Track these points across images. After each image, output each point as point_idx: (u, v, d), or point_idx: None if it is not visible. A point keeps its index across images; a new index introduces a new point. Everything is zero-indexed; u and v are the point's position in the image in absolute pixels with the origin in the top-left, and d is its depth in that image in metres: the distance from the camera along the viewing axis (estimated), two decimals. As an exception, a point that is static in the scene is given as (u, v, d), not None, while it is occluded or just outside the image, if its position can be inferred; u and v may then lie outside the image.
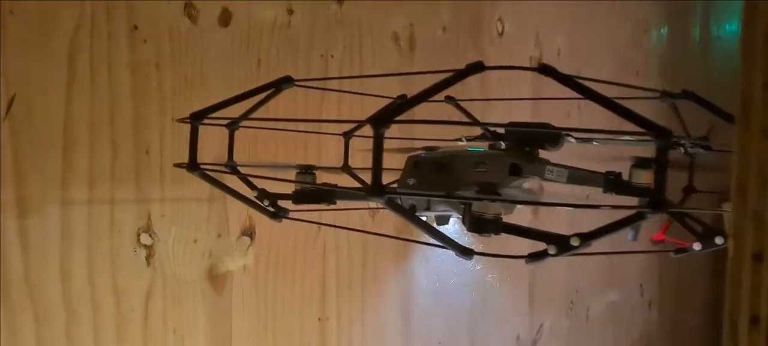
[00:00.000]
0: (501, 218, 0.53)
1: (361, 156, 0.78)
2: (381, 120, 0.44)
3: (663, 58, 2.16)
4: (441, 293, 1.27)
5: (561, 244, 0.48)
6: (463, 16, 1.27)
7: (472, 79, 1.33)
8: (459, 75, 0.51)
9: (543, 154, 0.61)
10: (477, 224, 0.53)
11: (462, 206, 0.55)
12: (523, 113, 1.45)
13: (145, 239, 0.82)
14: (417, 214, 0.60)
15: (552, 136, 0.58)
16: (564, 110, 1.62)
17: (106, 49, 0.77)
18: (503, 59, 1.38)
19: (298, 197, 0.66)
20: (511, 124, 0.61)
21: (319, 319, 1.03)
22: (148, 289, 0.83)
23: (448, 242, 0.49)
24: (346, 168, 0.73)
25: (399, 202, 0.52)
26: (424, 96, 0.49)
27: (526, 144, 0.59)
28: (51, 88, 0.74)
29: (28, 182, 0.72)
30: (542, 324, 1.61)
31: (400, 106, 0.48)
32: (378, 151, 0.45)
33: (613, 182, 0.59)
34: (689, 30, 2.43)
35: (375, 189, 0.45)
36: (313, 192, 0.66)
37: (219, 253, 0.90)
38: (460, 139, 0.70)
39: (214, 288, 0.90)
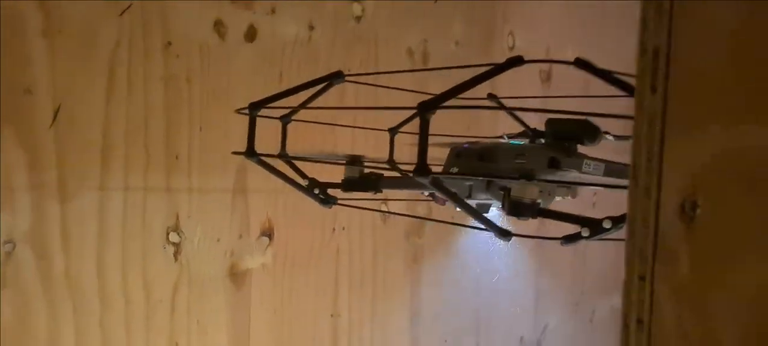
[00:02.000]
0: (538, 203, 0.57)
1: (407, 150, 0.81)
2: (428, 105, 0.49)
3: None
4: (448, 293, 1.34)
5: (594, 227, 0.52)
6: (475, 30, 1.33)
7: (483, 87, 1.39)
8: (498, 68, 0.55)
9: (581, 149, 0.65)
10: (515, 208, 0.57)
11: (501, 192, 0.59)
12: (530, 121, 1.51)
13: (173, 237, 0.89)
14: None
15: (591, 131, 0.61)
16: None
17: (142, 63, 0.84)
18: (514, 73, 1.43)
19: (346, 185, 0.70)
20: (551, 120, 0.63)
21: (331, 315, 1.10)
22: (176, 283, 0.90)
23: (488, 224, 0.53)
24: (390, 162, 0.76)
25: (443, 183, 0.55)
26: (466, 86, 0.52)
27: (565, 139, 0.63)
28: (92, 99, 0.81)
29: (69, 184, 0.80)
30: (547, 325, 1.66)
31: (444, 94, 0.51)
32: (424, 135, 0.48)
33: None
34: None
35: (421, 169, 0.49)
36: (361, 180, 0.69)
37: (240, 252, 0.97)
38: (501, 137, 0.74)
39: (235, 284, 0.97)
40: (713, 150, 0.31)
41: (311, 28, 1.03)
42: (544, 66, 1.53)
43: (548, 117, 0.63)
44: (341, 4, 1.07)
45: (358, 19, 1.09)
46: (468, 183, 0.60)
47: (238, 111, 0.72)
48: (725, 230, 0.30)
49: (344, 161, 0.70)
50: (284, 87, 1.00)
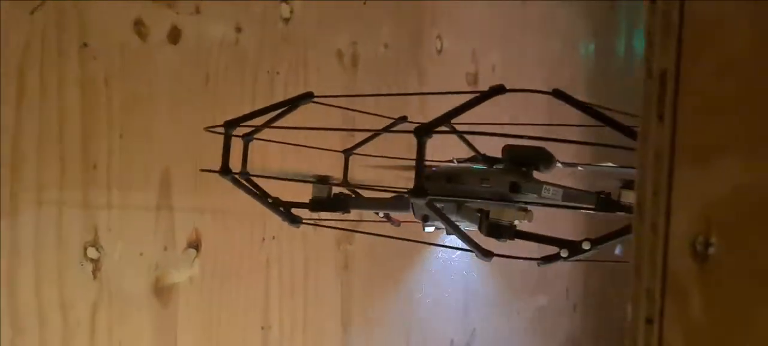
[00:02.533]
0: (515, 226, 0.60)
1: (360, 171, 0.82)
2: (424, 130, 0.51)
3: (591, 72, 2.28)
4: (379, 300, 1.32)
5: (573, 248, 0.55)
6: (403, 33, 1.32)
7: (412, 89, 1.37)
8: (482, 96, 0.57)
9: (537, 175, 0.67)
10: (494, 230, 0.59)
11: (478, 214, 0.61)
12: (459, 124, 1.51)
13: (91, 252, 0.83)
14: (429, 222, 0.65)
15: (546, 158, 0.64)
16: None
17: (56, 65, 0.78)
18: (442, 75, 1.44)
19: (314, 205, 0.71)
20: (509, 146, 0.65)
21: (262, 328, 1.06)
22: (95, 302, 0.84)
23: (472, 244, 0.55)
24: (345, 183, 0.77)
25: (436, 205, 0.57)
26: (457, 112, 0.54)
27: (523, 164, 0.64)
28: (0, 105, 0.74)
29: (-26, 197, 0.73)
30: (475, 329, 1.67)
31: (438, 119, 0.53)
32: (421, 158, 0.50)
33: (604, 201, 0.64)
34: (614, 45, 2.56)
35: (418, 191, 0.51)
36: (330, 200, 0.70)
37: (165, 265, 0.92)
38: (451, 161, 0.75)
39: (160, 301, 0.91)
40: (728, 183, 0.28)
41: (238, 29, 0.98)
42: (471, 69, 1.54)
43: (505, 144, 0.64)
44: (269, 4, 1.03)
45: (287, 20, 1.06)
46: (440, 205, 0.60)
47: (210, 129, 0.72)
48: (742, 269, 0.28)
49: (313, 180, 0.70)
50: (211, 91, 0.96)
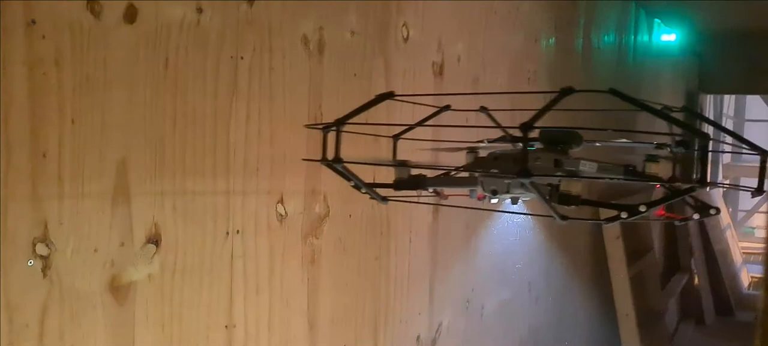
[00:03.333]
0: (580, 195, 0.71)
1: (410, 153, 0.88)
2: (527, 126, 0.63)
3: (551, 65, 2.28)
4: (346, 297, 1.27)
5: (631, 210, 0.67)
6: (370, 20, 1.28)
7: (378, 77, 1.33)
8: (558, 97, 0.69)
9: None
10: (564, 199, 0.70)
11: (548, 187, 0.71)
12: (425, 114, 1.48)
13: (41, 249, 0.77)
14: (496, 195, 0.76)
15: (577, 138, 0.76)
16: (463, 116, 1.67)
17: (-1, 44, 0.71)
18: (408, 63, 1.40)
19: (398, 185, 0.82)
20: (543, 129, 0.75)
21: (226, 326, 1.00)
22: (45, 303, 0.77)
23: (552, 210, 0.69)
24: (402, 162, 0.84)
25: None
26: (543, 112, 0.65)
27: (557, 144, 0.75)
28: (-65, 86, 0.67)
29: None
30: (441, 323, 1.65)
31: (538, 114, 0.64)
32: (525, 148, 0.65)
33: (631, 172, 0.77)
34: (573, 40, 2.58)
35: (525, 172, 0.64)
36: (409, 180, 0.81)
37: (122, 262, 0.85)
38: (481, 142, 0.85)
39: (117, 299, 0.85)
40: None
41: (199, 10, 0.92)
42: (437, 59, 1.51)
43: (542, 127, 0.73)
44: (232, -15, 0.97)
45: (251, 2, 1.00)
46: (507, 181, 0.73)
47: (311, 126, 0.90)
48: None
49: (394, 164, 0.82)
50: (170, 75, 0.89)
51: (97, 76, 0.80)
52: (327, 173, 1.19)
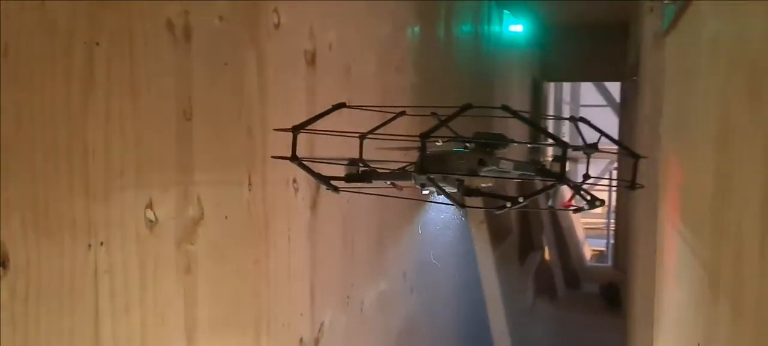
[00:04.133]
0: (480, 188, 0.88)
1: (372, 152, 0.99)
2: (425, 135, 0.80)
3: (417, 53, 2.28)
4: (226, 306, 1.17)
5: (513, 201, 0.82)
6: (239, 5, 1.18)
7: (251, 66, 1.25)
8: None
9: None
10: (467, 192, 0.87)
11: (457, 182, 0.87)
12: (299, 105, 1.41)
13: None
14: (425, 187, 0.90)
15: (504, 141, 0.90)
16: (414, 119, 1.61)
17: None
18: (280, 51, 1.32)
19: (348, 179, 0.95)
20: (478, 133, 0.91)
21: (92, 354, 0.88)
22: None
23: (453, 200, 0.89)
24: (361, 161, 0.98)
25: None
26: (447, 121, 0.84)
27: (487, 146, 0.90)
28: None
29: None
30: (323, 322, 1.58)
31: (439, 124, 0.83)
32: (423, 152, 0.83)
33: (541, 169, 0.93)
34: (436, 29, 2.60)
35: (421, 169, 0.85)
36: (358, 175, 0.95)
37: (-41, 290, 0.71)
38: (436, 142, 0.95)
39: (-46, 336, 0.70)
40: None
41: (44, -11, 0.79)
42: (309, 47, 1.44)
43: (475, 131, 0.91)
44: (82, -39, 0.84)
45: (105, -19, 0.87)
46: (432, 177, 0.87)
47: (278, 130, 1.01)
48: None
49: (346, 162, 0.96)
50: (11, 62, 0.75)
51: None
52: (200, 173, 1.09)
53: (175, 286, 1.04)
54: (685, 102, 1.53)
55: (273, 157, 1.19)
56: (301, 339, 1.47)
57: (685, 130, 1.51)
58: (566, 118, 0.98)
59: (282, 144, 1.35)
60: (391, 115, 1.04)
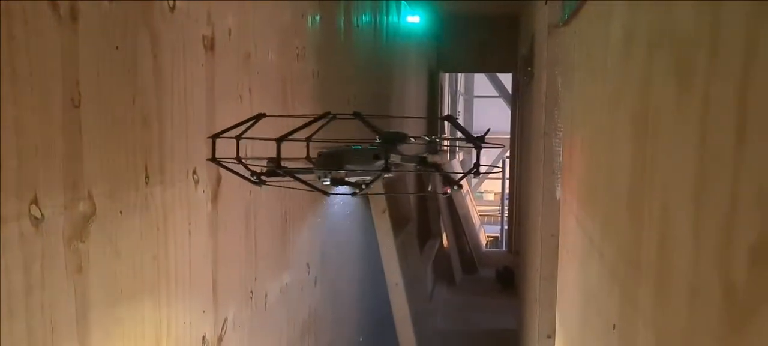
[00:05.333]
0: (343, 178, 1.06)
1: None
2: (281, 139, 0.98)
3: (317, 41, 2.25)
4: (123, 307, 1.10)
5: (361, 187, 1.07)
6: (132, -15, 1.10)
7: (145, 50, 1.18)
8: (317, 119, 1.10)
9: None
10: (334, 181, 1.05)
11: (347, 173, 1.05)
12: (198, 92, 1.34)
13: None
14: (324, 179, 1.07)
15: (402, 138, 1.05)
16: (237, 93, 1.56)
17: None
18: (175, 36, 1.25)
19: (269, 174, 1.05)
20: (383, 132, 1.04)
21: (-30, 366, 0.79)
22: None
23: (316, 189, 1.09)
24: (278, 160, 1.05)
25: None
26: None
27: (389, 142, 1.03)
28: None
29: None
30: (226, 319, 1.53)
31: (298, 128, 0.99)
32: (278, 152, 0.99)
33: (422, 161, 1.12)
34: (335, 19, 2.58)
35: (278, 165, 1.01)
36: (277, 171, 1.04)
37: None
38: (365, 140, 1.12)
39: None
40: None
41: None
42: (207, 32, 1.38)
43: (386, 131, 1.05)
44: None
45: (-22, -47, 0.79)
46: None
47: (216, 136, 1.14)
48: None
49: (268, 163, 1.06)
50: None
51: None
52: (91, 165, 1.01)
53: (66, 288, 0.96)
54: (591, 90, 1.56)
55: (208, 160, 1.22)
56: (203, 337, 1.41)
57: (592, 115, 1.54)
58: (440, 118, 1.06)
59: (181, 133, 1.28)
60: (304, 119, 1.10)
